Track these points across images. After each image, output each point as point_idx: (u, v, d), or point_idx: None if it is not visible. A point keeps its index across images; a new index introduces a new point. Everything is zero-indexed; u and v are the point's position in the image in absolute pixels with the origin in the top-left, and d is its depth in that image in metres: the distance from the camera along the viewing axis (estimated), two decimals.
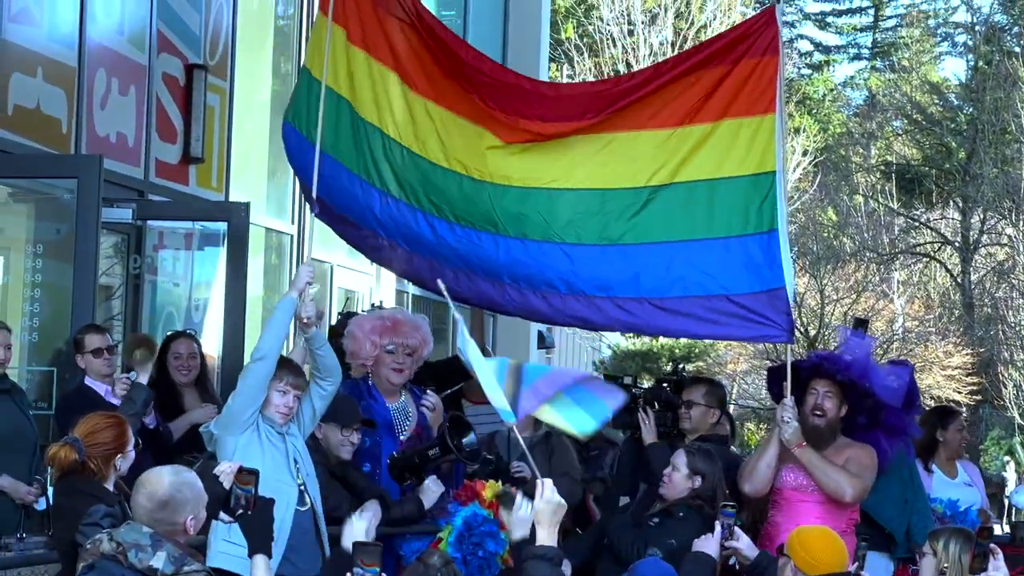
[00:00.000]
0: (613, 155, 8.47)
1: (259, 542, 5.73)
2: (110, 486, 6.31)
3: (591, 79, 32.24)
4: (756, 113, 8.31)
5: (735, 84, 8.34)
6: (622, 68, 32.20)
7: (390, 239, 8.68)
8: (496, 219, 8.47)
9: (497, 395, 6.05)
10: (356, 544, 5.45)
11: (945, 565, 6.66)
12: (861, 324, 9.55)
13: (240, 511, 5.74)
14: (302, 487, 7.42)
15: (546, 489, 5.44)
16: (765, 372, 10.49)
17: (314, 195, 8.39)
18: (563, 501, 5.45)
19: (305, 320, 7.63)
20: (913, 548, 8.58)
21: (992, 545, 6.26)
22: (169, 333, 9.77)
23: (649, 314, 8.43)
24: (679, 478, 7.87)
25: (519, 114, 8.50)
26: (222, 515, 5.82)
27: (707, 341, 30.41)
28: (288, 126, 8.70)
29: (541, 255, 8.44)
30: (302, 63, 8.98)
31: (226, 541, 6.65)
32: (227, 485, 5.80)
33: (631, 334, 31.35)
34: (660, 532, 7.72)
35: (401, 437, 8.47)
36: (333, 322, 10.62)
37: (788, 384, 8.23)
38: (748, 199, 8.29)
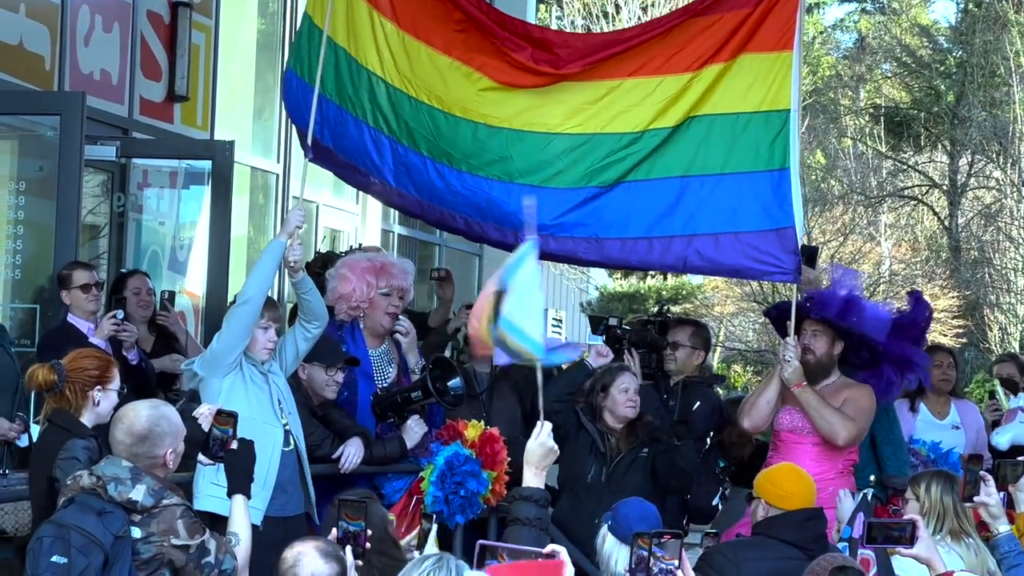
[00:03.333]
0: (635, 99, 8.44)
1: (239, 483, 5.75)
2: (87, 421, 6.29)
3: (579, 20, 32.14)
4: (773, 49, 8.26)
5: (755, 21, 8.29)
6: (610, 9, 31.99)
7: (399, 187, 8.67)
8: (512, 167, 8.45)
9: (537, 329, 5.62)
10: (341, 499, 5.45)
11: (928, 508, 6.67)
12: (809, 253, 9.49)
13: (219, 453, 5.75)
14: (287, 427, 7.43)
15: (542, 432, 5.41)
16: (751, 315, 10.45)
17: (309, 139, 8.35)
18: (556, 447, 5.42)
19: (293, 263, 7.62)
20: (885, 481, 8.61)
21: (983, 472, 6.24)
22: (123, 271, 9.77)
23: (657, 252, 8.44)
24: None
25: (534, 58, 8.47)
26: (201, 457, 5.83)
27: (695, 283, 30.42)
28: (291, 73, 8.67)
29: (555, 201, 8.41)
30: (304, 8, 8.90)
31: (214, 484, 6.62)
32: (206, 427, 5.81)
33: (619, 275, 31.33)
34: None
35: (382, 384, 8.43)
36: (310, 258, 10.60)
37: (791, 324, 8.26)
38: (760, 136, 8.27)
